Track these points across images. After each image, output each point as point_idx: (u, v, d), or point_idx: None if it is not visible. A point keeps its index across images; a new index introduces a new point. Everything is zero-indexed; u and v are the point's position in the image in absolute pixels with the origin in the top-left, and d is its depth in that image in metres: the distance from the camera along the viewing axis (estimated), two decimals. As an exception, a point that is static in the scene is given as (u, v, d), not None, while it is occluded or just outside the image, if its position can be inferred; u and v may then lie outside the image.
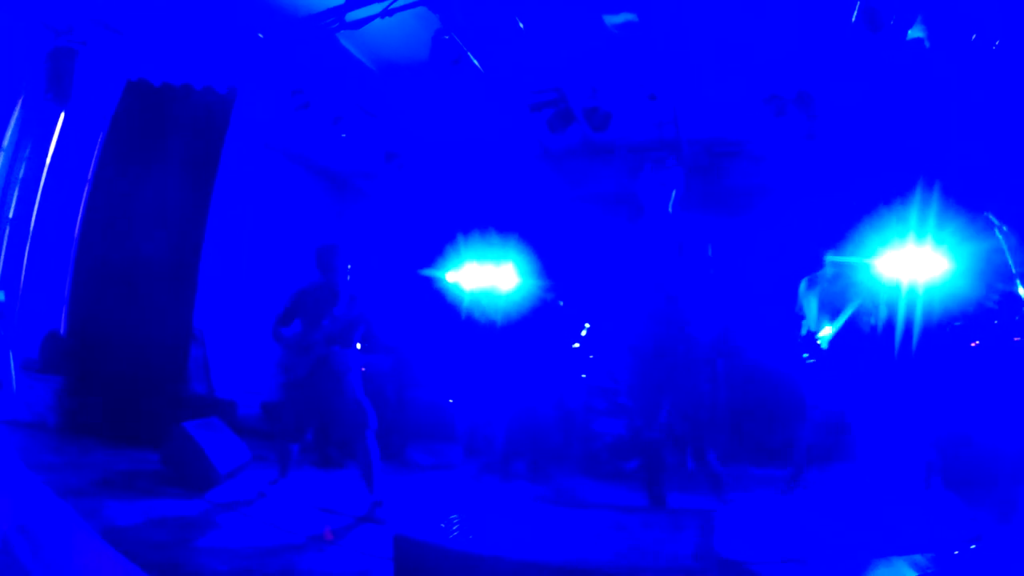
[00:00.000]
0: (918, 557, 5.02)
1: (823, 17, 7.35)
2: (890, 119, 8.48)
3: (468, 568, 3.73)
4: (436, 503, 6.66)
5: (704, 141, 9.69)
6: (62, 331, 8.60)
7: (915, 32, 7.23)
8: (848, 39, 7.34)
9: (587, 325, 8.75)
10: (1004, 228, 5.47)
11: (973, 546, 5.19)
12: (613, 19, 7.59)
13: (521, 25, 7.53)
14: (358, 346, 6.72)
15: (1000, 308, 6.73)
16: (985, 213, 5.65)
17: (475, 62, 7.70)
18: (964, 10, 7.08)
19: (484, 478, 8.01)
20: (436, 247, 9.75)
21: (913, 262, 7.49)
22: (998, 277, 6.49)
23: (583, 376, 8.63)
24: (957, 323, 7.35)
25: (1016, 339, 6.59)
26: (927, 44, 7.42)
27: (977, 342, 7.27)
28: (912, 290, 7.55)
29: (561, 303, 8.89)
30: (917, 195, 7.62)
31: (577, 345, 8.72)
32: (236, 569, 4.69)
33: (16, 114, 8.56)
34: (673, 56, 8.09)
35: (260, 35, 7.77)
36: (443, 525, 4.29)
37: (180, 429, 6.54)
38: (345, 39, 7.87)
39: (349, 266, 6.62)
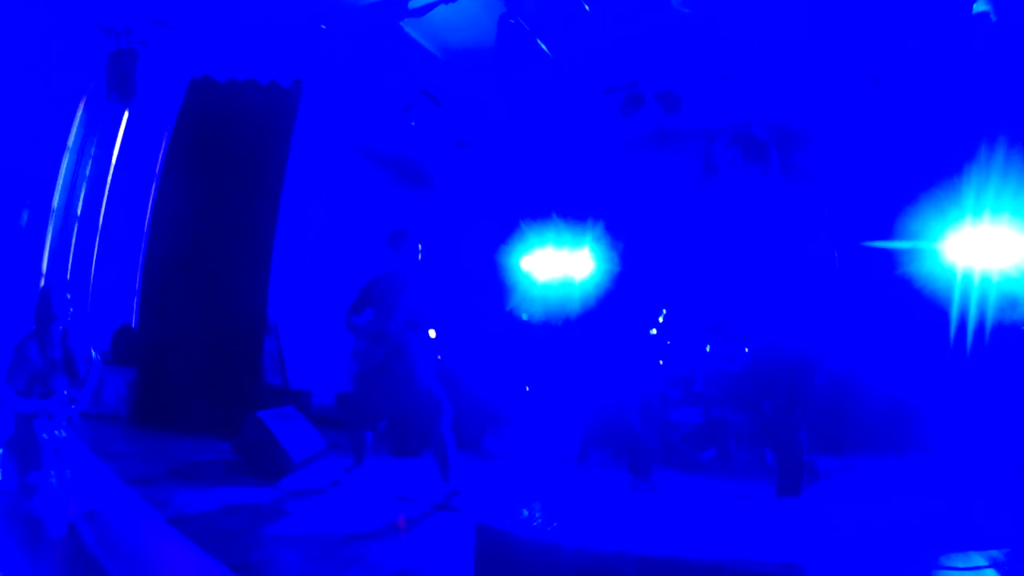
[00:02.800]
0: (996, 551, 4.87)
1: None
2: (959, 96, 8.22)
3: (550, 558, 3.62)
4: (515, 492, 6.62)
5: (774, 124, 9.46)
6: (134, 324, 8.67)
7: (980, 6, 7.00)
8: (913, 17, 7.15)
9: (664, 311, 8.57)
10: None
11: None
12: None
13: (587, 7, 7.41)
14: (432, 334, 6.65)
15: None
16: None
17: (542, 46, 7.61)
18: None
19: (562, 468, 7.90)
20: (509, 235, 9.67)
21: (985, 245, 7.25)
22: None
23: (660, 363, 8.47)
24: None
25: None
26: (993, 17, 7.17)
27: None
28: (984, 276, 7.32)
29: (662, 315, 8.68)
30: (991, 174, 7.38)
31: (654, 331, 8.55)
32: (308, 557, 4.63)
33: (80, 114, 8.66)
34: (742, 37, 7.92)
35: (323, 26, 7.74)
36: (524, 514, 4.19)
37: (254, 418, 6.52)
38: (409, 26, 7.82)
39: (421, 253, 6.57)
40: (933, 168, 8.19)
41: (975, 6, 6.79)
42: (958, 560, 4.79)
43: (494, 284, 9.59)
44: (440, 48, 8.35)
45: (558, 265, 9.41)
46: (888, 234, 8.18)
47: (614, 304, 8.99)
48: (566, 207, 9.63)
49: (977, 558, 4.78)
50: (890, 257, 8.28)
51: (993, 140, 7.55)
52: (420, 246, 6.55)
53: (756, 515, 5.35)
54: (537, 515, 4.21)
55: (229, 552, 4.45)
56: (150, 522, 4.73)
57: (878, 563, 4.80)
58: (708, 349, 8.32)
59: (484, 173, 10.11)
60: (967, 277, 7.46)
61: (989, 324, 7.44)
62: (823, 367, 5.50)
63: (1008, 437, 6.70)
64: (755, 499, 6.49)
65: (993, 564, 4.65)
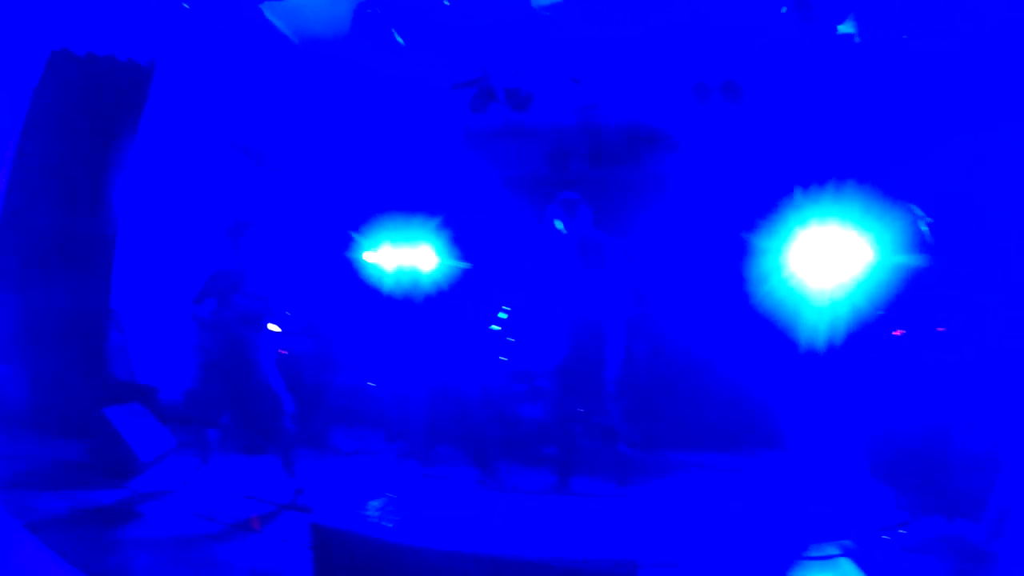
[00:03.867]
0: (847, 542, 5.14)
1: (754, 6, 7.43)
2: (817, 109, 8.62)
3: (386, 556, 3.67)
4: (358, 490, 6.60)
5: (626, 127, 9.70)
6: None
7: (846, 28, 7.38)
8: (778, 30, 7.45)
9: (507, 308, 8.68)
10: (929, 220, 5.60)
11: (902, 531, 5.36)
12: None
13: (447, 2, 7.42)
14: (275, 328, 6.58)
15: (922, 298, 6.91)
16: (909, 205, 5.78)
17: (397, 37, 7.57)
18: (894, 10, 7.24)
19: (406, 463, 7.93)
20: (355, 227, 9.58)
21: (834, 249, 7.64)
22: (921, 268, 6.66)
23: (503, 359, 8.59)
24: (880, 312, 7.54)
25: (940, 329, 6.77)
26: (857, 39, 7.57)
27: (901, 331, 7.47)
28: (833, 279, 7.72)
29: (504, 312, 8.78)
30: (839, 183, 7.78)
31: (497, 328, 8.65)
32: (160, 561, 4.56)
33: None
34: (599, 40, 8.08)
35: (185, 5, 7.48)
36: (364, 512, 4.23)
37: (100, 416, 6.30)
38: (269, 10, 7.65)
39: (262, 245, 6.47)
40: (784, 172, 8.56)
41: (840, 27, 7.15)
42: (811, 551, 5.05)
43: (341, 276, 9.51)
44: (297, 34, 8.21)
45: (404, 258, 9.41)
46: (738, 234, 8.53)
47: (456, 299, 9.12)
48: (414, 200, 9.63)
49: (830, 548, 5.05)
50: (741, 258, 8.64)
51: (848, 155, 7.97)
52: (261, 238, 6.46)
53: (598, 512, 5.55)
54: (378, 513, 4.26)
55: (84, 559, 4.35)
56: (5, 527, 4.57)
57: (729, 557, 5.02)
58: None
59: (334, 163, 9.96)
60: (813, 278, 7.88)
61: (835, 324, 7.88)
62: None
63: (852, 432, 7.11)
64: (598, 496, 6.67)
65: (846, 553, 4.93)
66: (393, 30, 7.54)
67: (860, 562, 4.75)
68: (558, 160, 9.89)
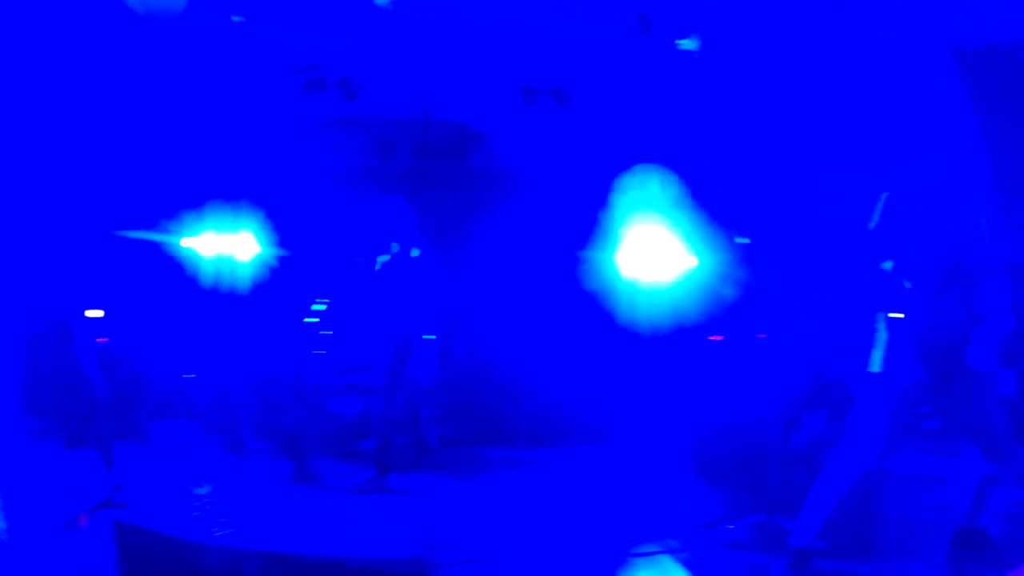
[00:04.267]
0: (671, 540, 5.33)
1: (594, 14, 7.58)
2: (647, 121, 8.86)
3: (186, 553, 3.64)
4: (175, 485, 6.37)
5: (454, 124, 9.73)
6: None
7: (688, 44, 7.63)
8: (617, 40, 7.64)
9: (326, 300, 8.56)
10: (746, 234, 5.85)
11: (726, 527, 5.55)
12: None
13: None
14: (99, 314, 6.30)
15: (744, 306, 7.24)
16: (727, 217, 6.03)
17: (234, 17, 7.34)
18: (739, 31, 7.54)
19: (224, 457, 7.76)
20: (180, 212, 9.19)
21: (654, 258, 7.91)
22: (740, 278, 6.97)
23: (321, 352, 8.48)
24: (701, 318, 7.85)
25: (760, 335, 7.11)
26: (697, 56, 7.84)
27: (720, 336, 7.81)
28: (654, 285, 8.00)
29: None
30: (663, 195, 8.06)
31: (316, 320, 8.52)
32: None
33: None
34: (435, 36, 8.06)
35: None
36: (176, 508, 4.14)
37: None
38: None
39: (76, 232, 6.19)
40: (608, 180, 8.78)
41: (681, 42, 7.38)
42: (634, 548, 5.22)
43: (163, 263, 9.11)
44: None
45: (224, 246, 9.12)
46: (562, 236, 8.70)
47: (275, 290, 8.93)
48: (238, 187, 9.33)
49: (653, 546, 5.22)
50: (565, 258, 8.81)
51: (675, 168, 8.24)
52: (79, 224, 6.23)
53: (414, 509, 5.56)
54: (191, 509, 4.18)
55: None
56: None
57: (548, 554, 5.11)
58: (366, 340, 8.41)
59: (158, 146, 9.49)
60: (635, 282, 8.13)
61: (658, 327, 8.15)
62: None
63: (675, 432, 7.36)
64: (416, 492, 6.69)
65: (669, 551, 5.09)
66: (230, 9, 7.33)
67: (683, 560, 4.92)
68: (386, 152, 9.81)
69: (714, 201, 7.91)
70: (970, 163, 4.26)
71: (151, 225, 9.05)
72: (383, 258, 7.00)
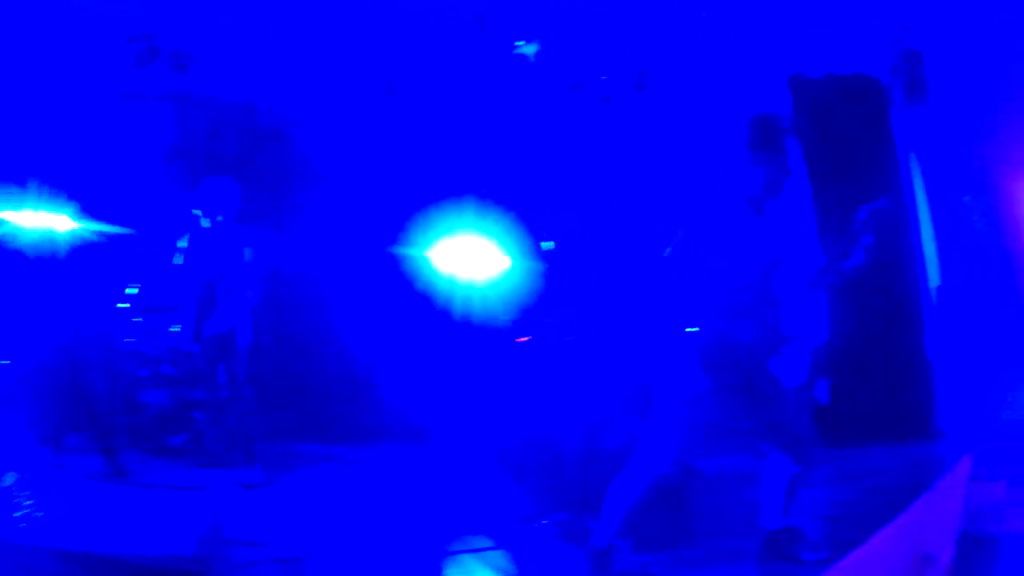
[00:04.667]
0: (478, 538, 5.36)
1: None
2: (473, 121, 8.84)
3: None
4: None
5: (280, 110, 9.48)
6: None
7: (527, 48, 7.64)
8: (454, 37, 7.60)
9: (137, 285, 8.19)
10: (553, 239, 5.92)
11: (534, 524, 5.60)
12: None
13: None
14: None
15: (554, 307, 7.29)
16: (539, 221, 6.08)
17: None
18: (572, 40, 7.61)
19: (34, 449, 7.29)
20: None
21: (468, 258, 7.90)
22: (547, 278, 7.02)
23: (129, 340, 8.11)
24: (508, 319, 7.88)
25: (568, 338, 7.17)
26: (532, 59, 7.86)
27: (527, 337, 7.85)
28: (466, 285, 7.99)
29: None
30: (477, 195, 8.08)
31: (127, 305, 8.14)
32: None
33: None
34: (269, 21, 7.87)
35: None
36: None
37: None
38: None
39: None
40: (434, 181, 8.71)
41: (521, 46, 7.38)
42: (443, 546, 5.20)
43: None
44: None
45: (39, 222, 8.61)
46: (388, 240, 8.58)
47: (91, 271, 8.48)
48: (61, 160, 8.86)
49: (459, 544, 5.22)
50: (382, 254, 8.67)
51: (495, 167, 8.26)
52: None
53: (214, 505, 5.37)
54: None
55: None
56: None
57: (360, 551, 5.06)
58: (176, 329, 8.08)
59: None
60: (455, 282, 8.09)
61: (468, 326, 8.12)
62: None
63: (484, 431, 7.36)
64: (219, 489, 6.47)
65: (475, 550, 5.09)
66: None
67: (491, 557, 4.97)
68: (214, 134, 9.47)
69: (528, 206, 7.98)
70: (786, 183, 4.33)
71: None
72: (182, 243, 6.73)
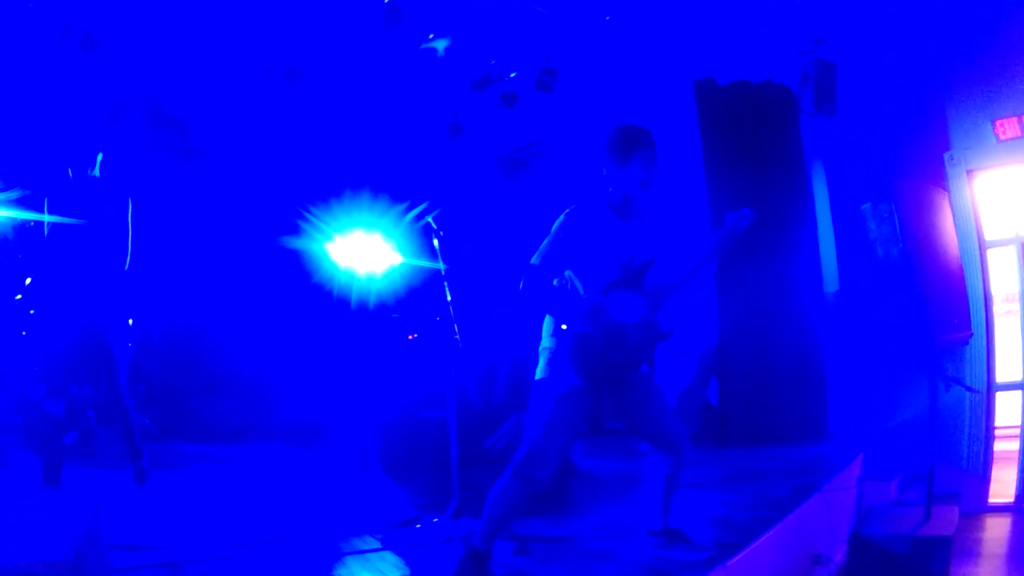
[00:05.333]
0: (358, 539, 5.26)
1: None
2: (376, 112, 8.79)
3: None
4: None
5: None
6: None
7: (437, 43, 7.63)
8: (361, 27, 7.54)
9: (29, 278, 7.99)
10: (440, 234, 5.91)
11: (415, 527, 5.57)
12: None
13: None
14: None
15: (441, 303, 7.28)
16: (428, 217, 6.07)
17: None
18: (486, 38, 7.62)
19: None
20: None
21: (364, 252, 7.86)
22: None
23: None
24: (395, 315, 7.85)
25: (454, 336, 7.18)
26: (440, 54, 7.84)
27: (415, 335, 7.81)
28: (361, 280, 7.95)
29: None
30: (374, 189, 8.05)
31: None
32: None
33: None
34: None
35: None
36: None
37: None
38: None
39: None
40: (332, 174, 8.64)
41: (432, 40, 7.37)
42: (343, 545, 5.13)
43: None
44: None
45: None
46: (283, 233, 8.50)
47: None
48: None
49: (339, 544, 5.14)
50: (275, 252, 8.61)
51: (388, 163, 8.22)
52: None
53: (111, 504, 5.22)
54: None
55: None
56: None
57: (245, 552, 4.93)
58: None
59: None
60: (347, 277, 8.04)
61: (355, 325, 8.08)
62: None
63: (368, 429, 7.33)
64: (104, 489, 6.29)
65: (355, 552, 5.00)
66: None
67: (367, 561, 4.86)
68: (115, 117, 9.27)
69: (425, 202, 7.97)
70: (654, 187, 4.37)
71: None
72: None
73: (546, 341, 4.30)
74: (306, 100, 8.67)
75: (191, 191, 8.97)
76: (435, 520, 5.59)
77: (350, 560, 4.88)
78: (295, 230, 8.22)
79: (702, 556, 4.50)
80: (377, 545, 5.14)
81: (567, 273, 4.28)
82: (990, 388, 7.49)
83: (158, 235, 7.17)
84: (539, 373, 4.28)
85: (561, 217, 4.24)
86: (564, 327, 4.15)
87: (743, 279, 8.11)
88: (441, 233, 5.81)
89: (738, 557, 4.53)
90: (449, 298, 5.77)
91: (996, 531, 6.84)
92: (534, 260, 4.17)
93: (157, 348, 8.47)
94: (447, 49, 8.08)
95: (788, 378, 8.16)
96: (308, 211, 8.07)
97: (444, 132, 9.20)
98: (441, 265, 5.78)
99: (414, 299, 7.83)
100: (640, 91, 8.82)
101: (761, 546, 4.84)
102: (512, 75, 8.47)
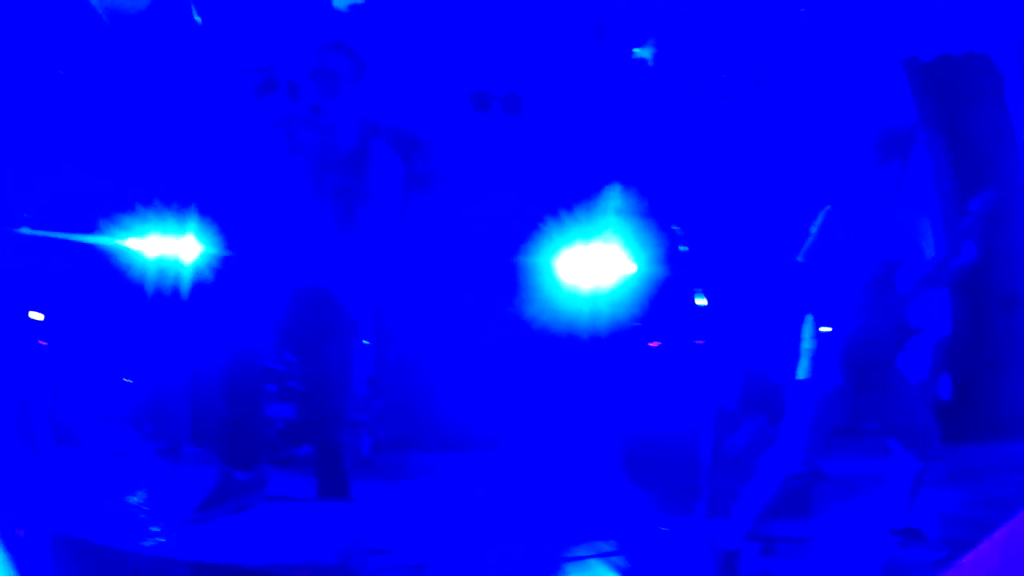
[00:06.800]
0: (603, 543, 5.31)
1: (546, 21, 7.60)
2: (596, 126, 8.87)
3: (129, 567, 3.56)
4: (110, 493, 6.19)
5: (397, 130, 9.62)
6: None
7: (643, 52, 7.68)
8: (570, 45, 7.66)
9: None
10: (685, 239, 5.93)
11: (660, 530, 5.60)
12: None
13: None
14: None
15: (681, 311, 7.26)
16: (671, 224, 6.10)
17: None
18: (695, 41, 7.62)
19: (160, 463, 7.58)
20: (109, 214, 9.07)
21: (596, 263, 7.91)
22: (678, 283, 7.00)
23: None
24: (637, 324, 7.86)
25: (698, 342, 7.13)
26: (651, 63, 7.89)
27: (658, 343, 7.81)
28: (594, 291, 7.99)
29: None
30: (606, 199, 8.08)
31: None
32: None
33: None
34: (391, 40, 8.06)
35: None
36: (110, 519, 4.07)
37: None
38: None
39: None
40: (556, 184, 8.77)
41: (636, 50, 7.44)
42: (569, 552, 5.19)
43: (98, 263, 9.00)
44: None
45: (166, 246, 9.02)
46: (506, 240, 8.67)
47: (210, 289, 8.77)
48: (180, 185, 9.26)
49: (583, 550, 5.19)
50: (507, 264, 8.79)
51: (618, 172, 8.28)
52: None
53: (339, 515, 5.46)
54: (121, 517, 4.11)
55: None
56: None
57: (482, 558, 5.05)
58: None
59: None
60: (578, 288, 8.13)
61: (595, 331, 8.13)
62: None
63: (611, 435, 7.38)
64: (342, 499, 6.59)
65: (600, 555, 5.06)
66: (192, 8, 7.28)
67: (616, 563, 4.94)
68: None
69: (658, 208, 7.94)
70: (913, 173, 4.34)
71: (85, 225, 8.87)
72: None
73: (807, 341, 4.29)
74: (528, 122, 8.83)
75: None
76: (680, 523, 5.63)
77: (589, 562, 5.00)
78: (526, 244, 8.35)
79: (938, 555, 4.46)
80: (616, 547, 5.24)
81: (828, 271, 4.26)
82: None
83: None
84: (800, 373, 4.29)
85: (821, 215, 4.23)
86: (825, 327, 4.10)
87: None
88: (680, 238, 5.82)
89: (969, 556, 4.40)
90: (695, 301, 5.79)
91: None
92: (799, 258, 4.18)
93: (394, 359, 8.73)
94: (655, 57, 8.11)
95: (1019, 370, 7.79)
96: (537, 225, 8.20)
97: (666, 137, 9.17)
98: (684, 270, 5.79)
99: (655, 304, 7.83)
100: (851, 78, 8.59)
101: (992, 545, 4.67)
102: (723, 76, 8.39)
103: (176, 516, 5.07)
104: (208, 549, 3.79)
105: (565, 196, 8.38)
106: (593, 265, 7.71)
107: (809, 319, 4.30)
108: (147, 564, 3.59)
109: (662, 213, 7.57)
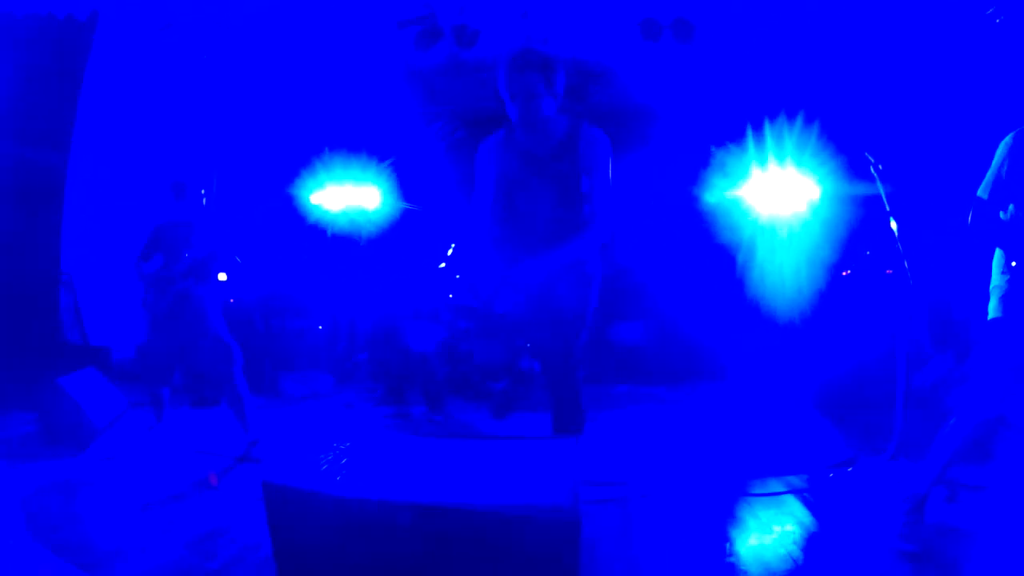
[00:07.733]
0: (794, 479, 5.33)
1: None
2: (771, 53, 8.60)
3: (336, 510, 3.69)
4: (309, 438, 6.57)
5: (574, 61, 9.59)
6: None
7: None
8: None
9: (453, 245, 8.70)
10: (880, 166, 5.66)
11: (849, 468, 5.55)
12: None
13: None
14: (223, 277, 6.52)
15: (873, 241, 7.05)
16: (863, 150, 5.85)
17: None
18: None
19: (356, 406, 8.07)
20: (298, 169, 9.48)
21: (783, 192, 7.73)
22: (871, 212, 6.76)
23: (450, 296, 8.65)
24: (828, 252, 7.67)
25: (888, 271, 6.92)
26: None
27: (848, 271, 7.62)
28: (782, 219, 7.84)
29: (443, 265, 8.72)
30: (794, 127, 7.87)
31: (443, 265, 8.68)
32: (118, 530, 4.58)
33: None
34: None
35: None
36: (316, 463, 4.22)
37: (55, 387, 6.29)
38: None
39: (206, 198, 6.48)
40: (735, 113, 8.61)
41: None
42: (756, 487, 5.21)
43: (286, 219, 9.45)
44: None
45: (350, 198, 9.50)
46: (689, 173, 8.60)
47: (401, 238, 9.06)
48: (359, 140, 9.52)
49: (775, 484, 5.23)
50: (690, 197, 8.73)
51: (803, 98, 8.01)
52: (204, 192, 6.50)
53: (542, 449, 5.61)
54: (327, 464, 4.26)
55: (45, 531, 4.38)
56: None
57: (673, 492, 5.16)
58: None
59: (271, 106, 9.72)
60: (764, 217, 8.01)
61: (783, 262, 8.03)
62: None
63: (800, 369, 7.31)
64: (542, 433, 6.78)
65: (792, 491, 5.09)
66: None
67: (805, 500, 4.93)
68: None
69: (843, 130, 7.66)
70: None
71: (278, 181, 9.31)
72: None
73: (997, 279, 4.06)
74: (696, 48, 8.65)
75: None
76: (853, 466, 5.57)
77: (780, 499, 4.99)
78: (704, 176, 8.25)
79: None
80: (804, 485, 5.21)
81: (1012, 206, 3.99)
82: None
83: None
84: (992, 312, 4.06)
85: (1002, 146, 3.99)
86: (1015, 263, 3.91)
87: None
88: (880, 166, 5.59)
89: None
90: (892, 229, 5.54)
91: None
92: (980, 192, 3.97)
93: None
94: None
95: None
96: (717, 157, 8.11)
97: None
98: (882, 194, 5.54)
99: (844, 233, 7.61)
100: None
101: None
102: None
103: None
104: (421, 491, 3.90)
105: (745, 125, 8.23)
106: (782, 193, 7.58)
107: (998, 255, 4.07)
108: (363, 508, 3.70)
109: (854, 141, 7.28)
